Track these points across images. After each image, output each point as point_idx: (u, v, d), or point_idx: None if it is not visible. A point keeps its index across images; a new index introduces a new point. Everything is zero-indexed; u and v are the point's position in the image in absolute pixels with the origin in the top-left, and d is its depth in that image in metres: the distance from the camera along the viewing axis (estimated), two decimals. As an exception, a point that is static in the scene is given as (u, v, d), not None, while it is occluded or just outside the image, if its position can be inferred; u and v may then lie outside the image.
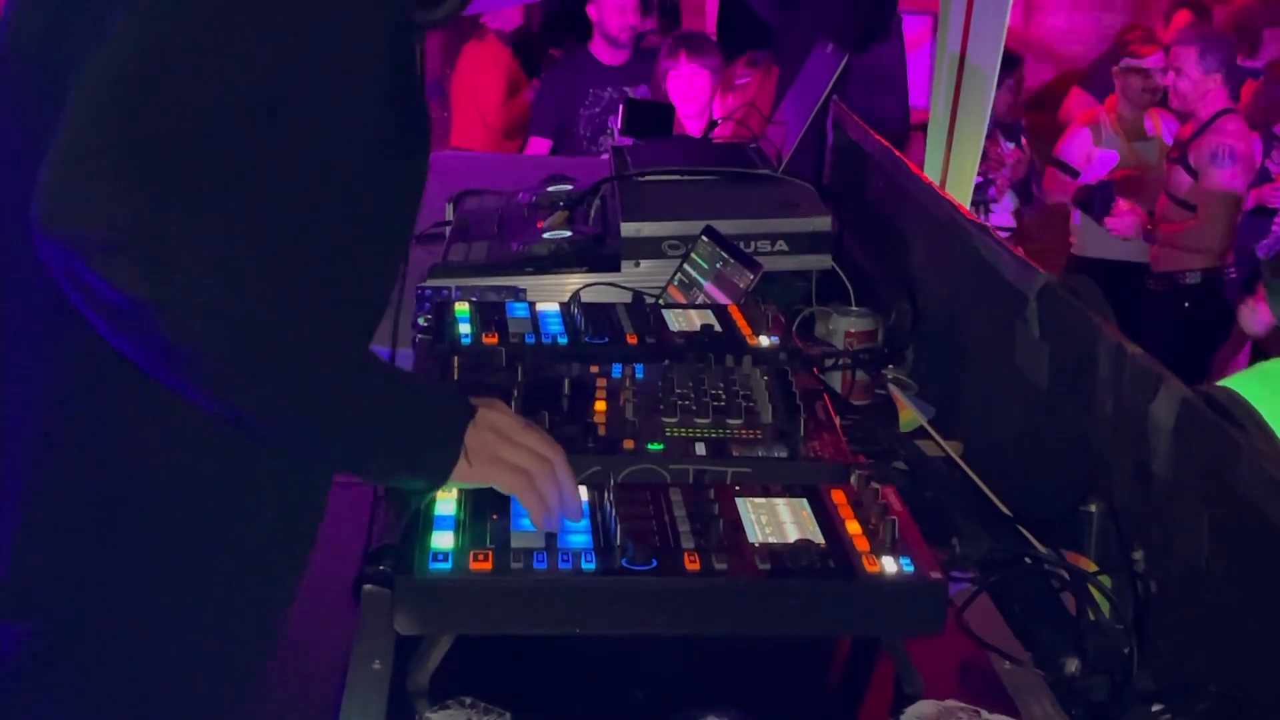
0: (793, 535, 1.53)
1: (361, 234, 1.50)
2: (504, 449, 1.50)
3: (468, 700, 1.46)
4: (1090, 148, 5.84)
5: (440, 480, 1.49)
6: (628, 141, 3.77)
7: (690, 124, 5.07)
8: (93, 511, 1.44)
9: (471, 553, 1.47)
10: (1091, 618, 1.62)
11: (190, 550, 1.46)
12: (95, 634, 1.46)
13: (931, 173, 3.47)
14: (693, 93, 5.13)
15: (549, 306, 2.26)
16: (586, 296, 2.49)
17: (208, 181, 1.31)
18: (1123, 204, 5.49)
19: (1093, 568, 1.70)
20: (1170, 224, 5.41)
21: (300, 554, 1.58)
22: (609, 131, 4.96)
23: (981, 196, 5.40)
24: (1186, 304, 5.41)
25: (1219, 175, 5.23)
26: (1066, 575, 1.69)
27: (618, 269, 2.65)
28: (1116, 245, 5.67)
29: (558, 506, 1.51)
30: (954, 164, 3.44)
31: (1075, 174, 5.85)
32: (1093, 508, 1.74)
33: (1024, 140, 6.14)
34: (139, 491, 1.44)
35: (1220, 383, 2.69)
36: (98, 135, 1.29)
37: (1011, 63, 5.52)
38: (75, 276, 1.31)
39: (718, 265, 2.51)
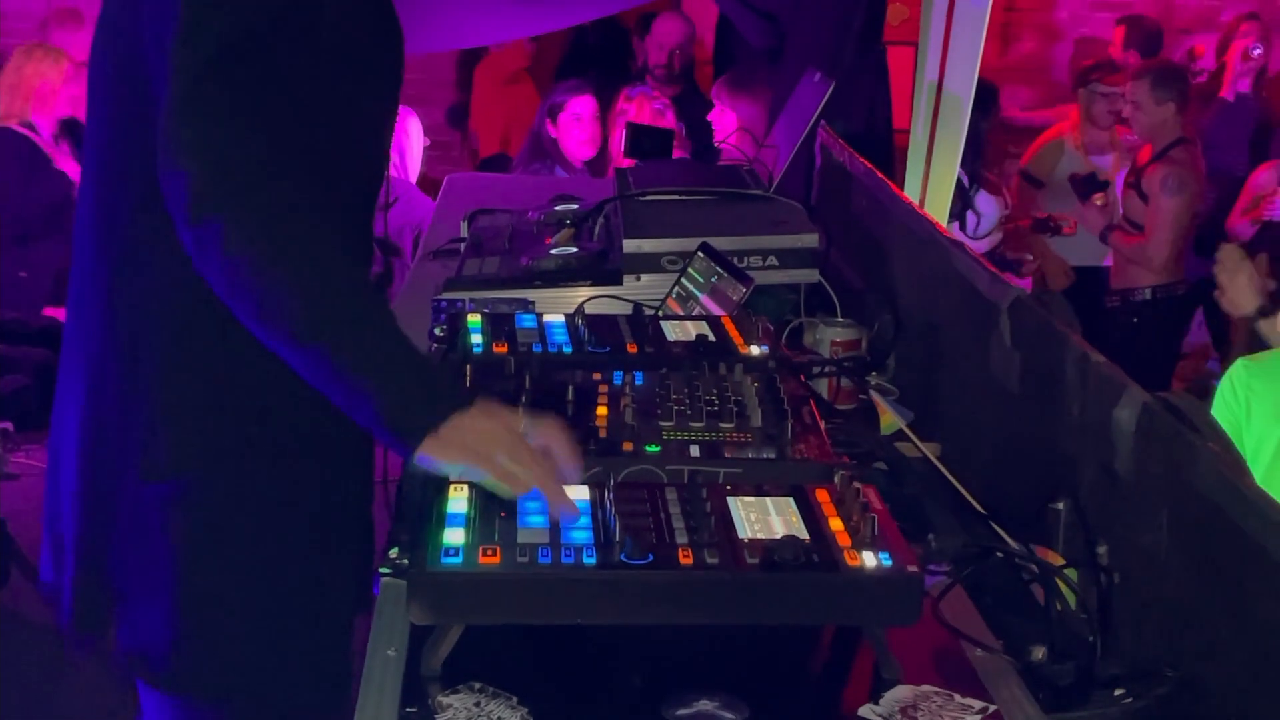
0: (780, 531, 1.53)
1: (363, 137, 1.74)
2: (482, 445, 1.52)
3: (477, 685, 1.46)
4: (1058, 160, 5.87)
5: (410, 448, 1.51)
6: (630, 163, 3.77)
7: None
8: (214, 396, 1.68)
9: (481, 548, 1.47)
10: (1059, 608, 1.62)
11: (289, 432, 1.70)
12: (216, 492, 1.69)
13: (911, 192, 3.47)
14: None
15: (555, 318, 2.26)
16: (590, 308, 2.49)
17: (258, 107, 1.52)
18: (1100, 198, 5.50)
19: (1060, 561, 1.70)
20: (1123, 234, 5.43)
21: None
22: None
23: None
24: (1136, 319, 5.42)
25: (1166, 202, 5.25)
26: (1035, 569, 1.69)
27: (620, 282, 2.65)
28: (1078, 253, 5.71)
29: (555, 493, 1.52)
30: (932, 184, 3.43)
31: (1040, 185, 5.87)
32: (1060, 505, 1.74)
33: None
34: (246, 378, 1.66)
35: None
36: (178, 83, 1.52)
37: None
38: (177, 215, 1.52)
39: (713, 279, 2.51)
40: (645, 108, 5.09)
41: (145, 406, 1.68)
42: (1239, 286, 3.44)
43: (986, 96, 5.76)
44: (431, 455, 1.51)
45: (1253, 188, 5.80)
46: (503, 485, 1.53)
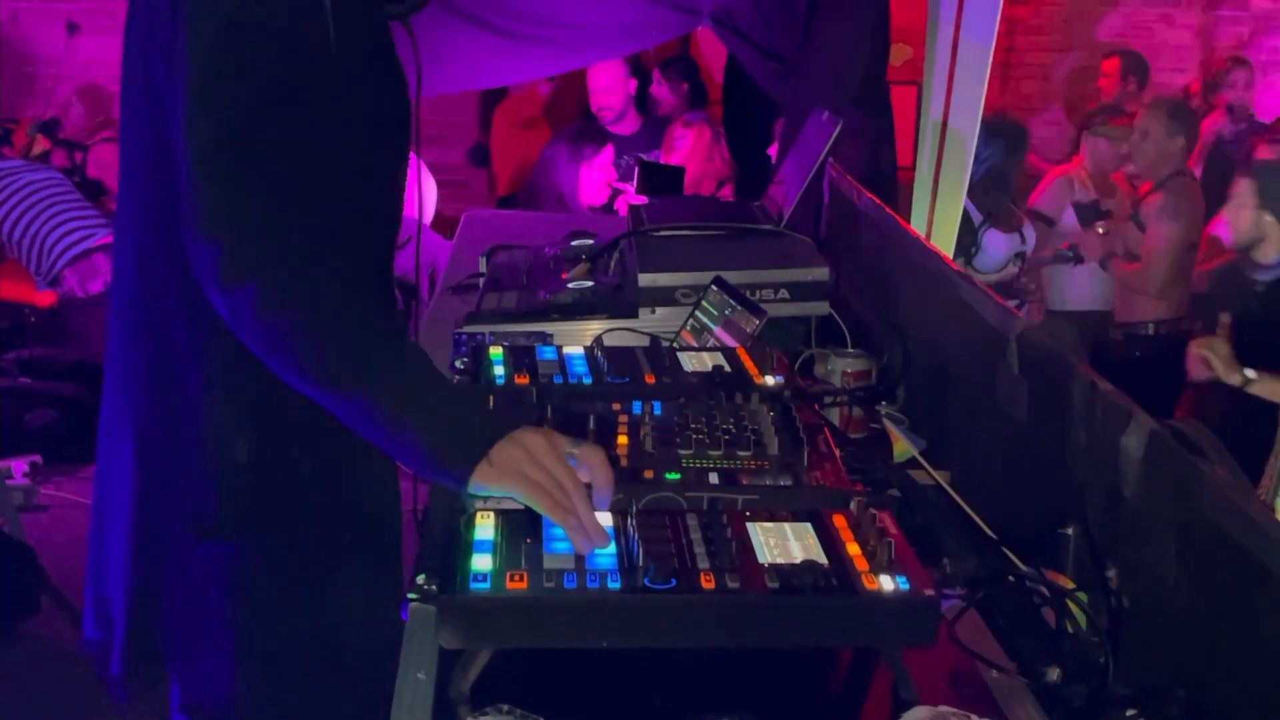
0: (798, 556, 1.53)
1: (378, 188, 1.75)
2: (527, 466, 1.52)
3: (505, 707, 1.46)
4: (1066, 197, 5.85)
5: (463, 479, 1.52)
6: (643, 200, 3.79)
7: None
8: (262, 453, 1.69)
9: (508, 573, 1.48)
10: (1070, 630, 1.62)
11: (333, 481, 1.73)
12: (270, 548, 1.71)
13: (918, 226, 3.48)
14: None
15: (575, 350, 2.27)
16: (608, 341, 2.50)
17: (276, 173, 1.52)
18: (1102, 225, 5.50)
19: (1071, 584, 1.69)
20: (1121, 262, 5.42)
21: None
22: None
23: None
24: (1138, 353, 5.40)
25: (1162, 228, 5.24)
26: (1047, 592, 1.69)
27: (636, 315, 2.66)
28: (1082, 296, 5.70)
29: (576, 522, 1.52)
30: (938, 218, 3.44)
31: (1051, 223, 5.85)
32: (1070, 530, 1.74)
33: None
34: (293, 434, 1.70)
35: None
36: (196, 155, 1.52)
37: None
38: (208, 284, 1.53)
39: (726, 312, 2.52)
40: (704, 137, 5.11)
41: (195, 468, 1.69)
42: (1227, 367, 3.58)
43: (1018, 136, 5.79)
44: (484, 482, 1.53)
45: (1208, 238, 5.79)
46: (542, 505, 1.53)
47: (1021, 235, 5.46)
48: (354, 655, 1.75)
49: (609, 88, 5.71)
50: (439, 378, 1.57)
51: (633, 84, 5.82)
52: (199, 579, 1.71)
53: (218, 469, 1.69)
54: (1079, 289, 5.73)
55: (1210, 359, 3.68)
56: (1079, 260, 5.60)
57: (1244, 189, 4.39)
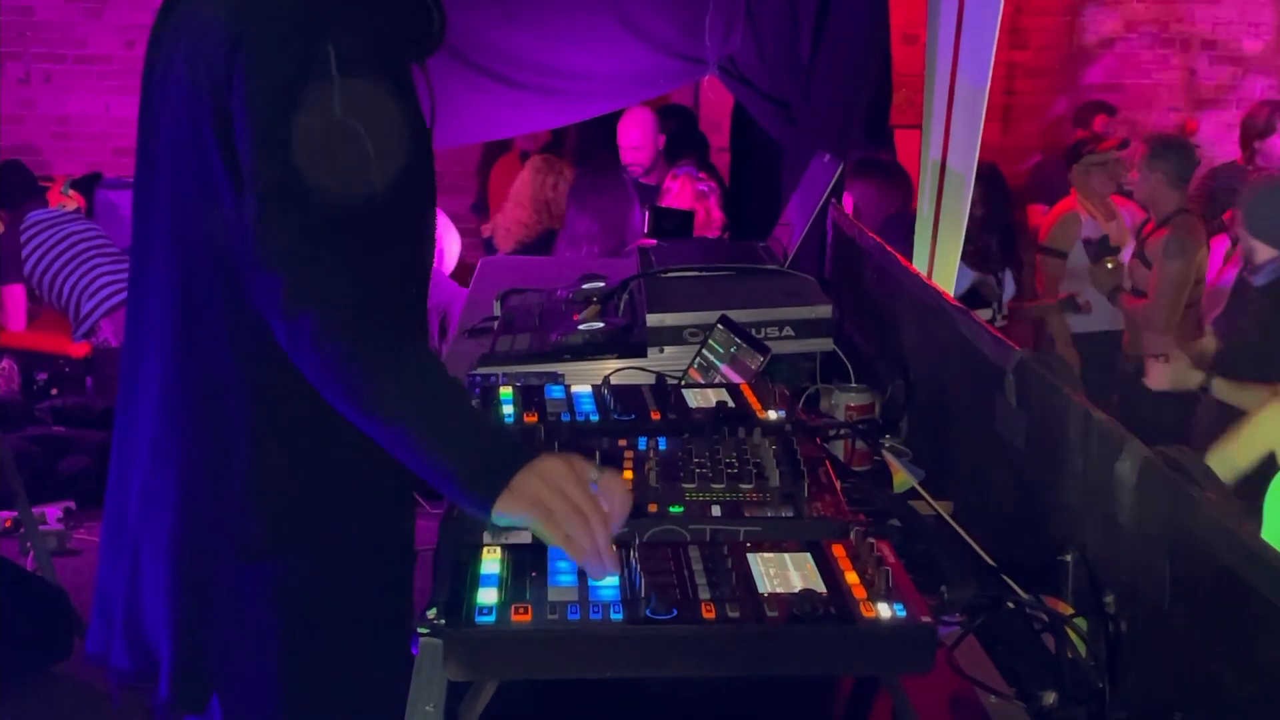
0: (798, 585, 1.52)
1: (415, 230, 1.78)
2: (545, 493, 1.51)
3: (512, 738, 1.45)
4: (1075, 233, 5.82)
5: (486, 507, 1.52)
6: (652, 243, 3.79)
7: None
8: (303, 474, 1.72)
9: (513, 606, 1.47)
10: (1069, 655, 1.60)
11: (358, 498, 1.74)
12: (313, 569, 1.72)
13: (919, 264, 3.47)
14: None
15: (582, 388, 2.26)
16: (616, 379, 2.49)
17: (334, 215, 1.57)
18: (1111, 260, 5.48)
19: (1069, 610, 1.68)
20: (1129, 297, 5.40)
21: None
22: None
23: None
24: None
25: (1168, 265, 5.22)
26: (1045, 618, 1.67)
27: (644, 355, 2.65)
28: (1093, 320, 5.67)
29: (589, 552, 1.51)
30: (939, 256, 3.43)
31: (1063, 255, 5.82)
32: (1068, 557, 1.72)
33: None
34: (332, 455, 1.70)
35: None
36: (262, 193, 1.58)
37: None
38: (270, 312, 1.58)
39: (732, 349, 2.51)
40: (688, 189, 5.12)
41: (237, 488, 1.71)
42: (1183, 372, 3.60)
43: (993, 179, 5.75)
44: (505, 511, 1.53)
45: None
46: (554, 537, 1.53)
47: (998, 279, 5.41)
48: (396, 674, 1.73)
49: (639, 145, 5.75)
50: (473, 410, 1.62)
51: (661, 139, 5.84)
52: (245, 600, 1.72)
53: (260, 488, 1.71)
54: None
55: (1166, 364, 3.66)
56: (1078, 310, 5.60)
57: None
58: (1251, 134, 6.44)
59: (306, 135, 1.58)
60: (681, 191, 5.10)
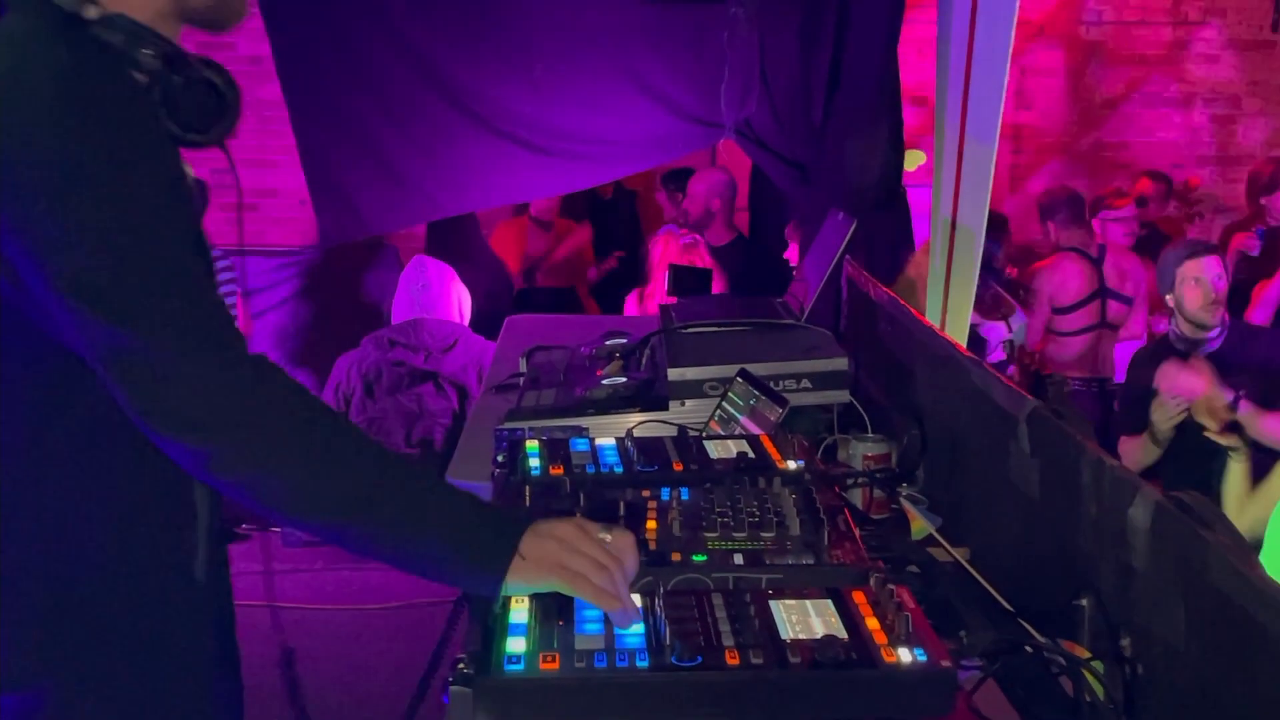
0: (820, 631, 1.50)
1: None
2: (565, 555, 1.49)
3: (541, 785, 1.43)
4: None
5: (496, 582, 1.49)
6: (673, 300, 3.79)
7: None
8: (55, 600, 1.53)
9: (541, 654, 1.45)
10: (1086, 698, 1.58)
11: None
12: (71, 699, 1.54)
13: (932, 317, 3.46)
14: None
15: (607, 441, 2.26)
16: (639, 432, 2.48)
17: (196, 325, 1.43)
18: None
19: (1086, 654, 1.65)
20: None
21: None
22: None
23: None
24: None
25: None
26: (1063, 661, 1.64)
27: (666, 408, 2.65)
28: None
29: (619, 601, 1.49)
30: (951, 309, 3.42)
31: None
32: (1084, 601, 1.70)
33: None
34: (87, 578, 1.54)
35: None
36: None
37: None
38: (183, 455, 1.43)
39: (751, 402, 2.50)
40: (672, 244, 5.14)
41: None
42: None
43: (997, 224, 5.73)
44: (519, 578, 1.50)
45: None
46: (587, 594, 1.50)
47: (1008, 325, 5.40)
48: None
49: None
50: (448, 488, 1.51)
51: (715, 201, 5.87)
52: None
53: (7, 615, 1.51)
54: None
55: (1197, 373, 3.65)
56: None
57: None
58: (1257, 190, 6.40)
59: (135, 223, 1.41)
60: (669, 248, 5.13)
